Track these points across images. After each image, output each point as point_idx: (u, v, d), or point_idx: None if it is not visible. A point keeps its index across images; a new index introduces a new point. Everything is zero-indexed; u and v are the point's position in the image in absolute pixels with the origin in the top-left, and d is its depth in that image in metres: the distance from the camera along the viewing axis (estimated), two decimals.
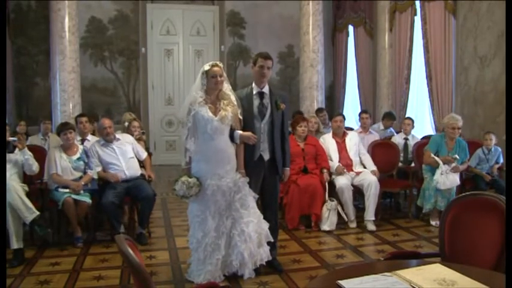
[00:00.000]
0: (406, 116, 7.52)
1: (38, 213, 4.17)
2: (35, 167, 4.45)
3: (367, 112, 6.72)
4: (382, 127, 6.93)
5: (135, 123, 5.61)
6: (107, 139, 4.82)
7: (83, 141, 5.25)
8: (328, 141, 5.40)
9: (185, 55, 9.38)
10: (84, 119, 5.53)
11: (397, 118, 7.69)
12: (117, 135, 4.92)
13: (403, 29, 7.87)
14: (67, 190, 4.45)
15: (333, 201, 5.01)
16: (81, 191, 4.49)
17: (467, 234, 2.36)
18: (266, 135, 3.73)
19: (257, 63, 3.71)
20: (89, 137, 5.41)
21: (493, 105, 6.01)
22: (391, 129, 6.95)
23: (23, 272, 3.86)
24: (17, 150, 4.28)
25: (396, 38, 8.05)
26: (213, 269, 3.50)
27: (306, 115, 6.79)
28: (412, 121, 6.29)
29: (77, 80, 6.78)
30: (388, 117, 6.96)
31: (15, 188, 4.16)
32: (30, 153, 4.42)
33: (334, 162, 5.26)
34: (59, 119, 6.53)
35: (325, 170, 5.14)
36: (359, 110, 9.16)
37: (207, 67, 3.49)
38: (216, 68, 3.48)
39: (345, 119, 5.61)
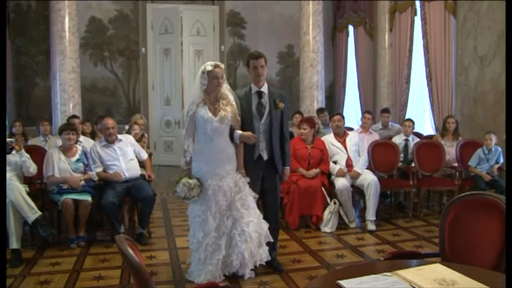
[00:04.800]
0: (407, 117, 7.54)
1: (40, 213, 4.16)
2: (33, 168, 4.43)
3: (371, 113, 6.70)
4: (380, 126, 6.91)
5: (135, 127, 5.60)
6: (109, 139, 4.80)
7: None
8: (331, 142, 5.37)
9: (185, 55, 9.37)
10: (77, 120, 5.55)
11: (396, 117, 7.69)
12: (119, 136, 4.92)
13: (403, 29, 7.88)
14: (68, 187, 4.45)
15: (335, 203, 5.01)
16: (82, 185, 4.50)
17: (467, 234, 2.36)
18: (264, 134, 3.73)
19: (250, 65, 3.71)
20: (81, 138, 5.35)
21: (493, 105, 6.02)
22: (392, 123, 6.88)
23: (23, 272, 3.85)
24: (14, 151, 4.28)
25: (396, 38, 8.06)
26: (214, 269, 3.50)
27: (306, 115, 6.78)
28: (413, 123, 6.27)
29: (77, 80, 6.79)
30: (384, 112, 6.90)
31: (18, 187, 4.16)
32: (27, 154, 4.40)
33: (340, 164, 5.22)
34: (59, 119, 6.53)
35: (318, 170, 5.13)
36: (359, 110, 9.19)
37: (209, 67, 3.47)
38: (218, 69, 3.47)
39: (344, 118, 5.59)
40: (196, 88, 3.53)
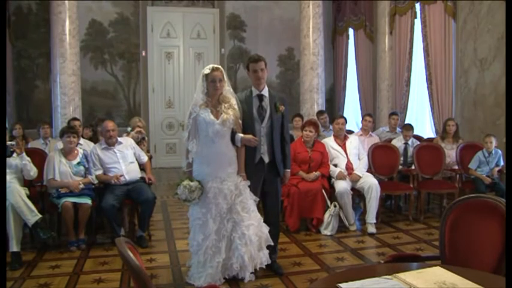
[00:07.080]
0: (407, 120, 7.56)
1: (40, 216, 4.17)
2: (33, 172, 4.43)
3: (372, 116, 6.70)
4: (387, 129, 6.90)
5: (137, 129, 5.58)
6: (109, 142, 4.80)
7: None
8: (331, 145, 5.37)
9: (185, 58, 9.39)
10: (77, 122, 5.58)
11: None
12: (119, 139, 4.92)
13: (403, 32, 7.89)
14: (67, 192, 4.45)
15: (335, 206, 5.01)
16: (81, 188, 4.49)
17: (467, 237, 2.36)
18: (266, 137, 3.73)
19: (250, 68, 3.71)
20: (81, 140, 5.33)
21: (493, 107, 6.02)
22: (398, 129, 6.88)
23: (23, 275, 3.85)
24: (15, 154, 4.27)
25: (396, 41, 8.06)
26: (214, 272, 3.49)
27: (306, 118, 6.78)
28: (412, 128, 6.26)
29: (77, 83, 6.79)
30: (393, 114, 6.86)
31: (18, 190, 4.16)
32: (28, 158, 4.40)
33: (340, 168, 5.22)
34: (60, 122, 6.53)
35: (318, 173, 5.13)
36: (359, 113, 9.19)
37: (207, 71, 3.49)
38: (215, 73, 3.47)
39: (346, 121, 5.58)
40: (198, 91, 3.54)
